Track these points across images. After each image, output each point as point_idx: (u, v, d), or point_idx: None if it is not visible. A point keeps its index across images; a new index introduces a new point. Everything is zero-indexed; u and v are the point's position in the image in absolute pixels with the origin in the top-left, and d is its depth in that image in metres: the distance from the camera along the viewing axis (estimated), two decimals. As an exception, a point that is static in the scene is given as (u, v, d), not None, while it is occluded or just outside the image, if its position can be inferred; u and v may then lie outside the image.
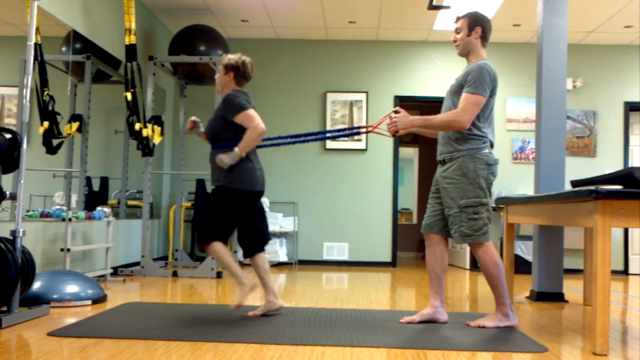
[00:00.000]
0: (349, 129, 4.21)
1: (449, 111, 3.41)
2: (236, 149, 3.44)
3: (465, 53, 3.54)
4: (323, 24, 7.20)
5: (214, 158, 3.53)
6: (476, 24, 3.48)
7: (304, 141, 4.18)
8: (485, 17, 3.52)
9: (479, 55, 3.50)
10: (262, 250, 3.69)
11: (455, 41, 3.55)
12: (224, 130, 3.53)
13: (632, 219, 2.84)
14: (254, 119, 3.47)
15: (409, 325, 3.39)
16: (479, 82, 3.33)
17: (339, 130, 4.22)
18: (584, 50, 7.60)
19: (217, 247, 3.53)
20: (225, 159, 3.44)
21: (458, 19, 3.55)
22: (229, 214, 3.55)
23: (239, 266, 3.59)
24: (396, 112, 3.45)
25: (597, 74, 7.61)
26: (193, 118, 3.75)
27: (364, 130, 4.17)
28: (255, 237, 3.67)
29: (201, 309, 3.83)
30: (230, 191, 3.51)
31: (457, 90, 3.45)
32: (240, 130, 3.50)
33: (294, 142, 4.20)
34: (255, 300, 4.29)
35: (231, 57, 3.65)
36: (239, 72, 3.64)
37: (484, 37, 3.51)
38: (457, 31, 3.54)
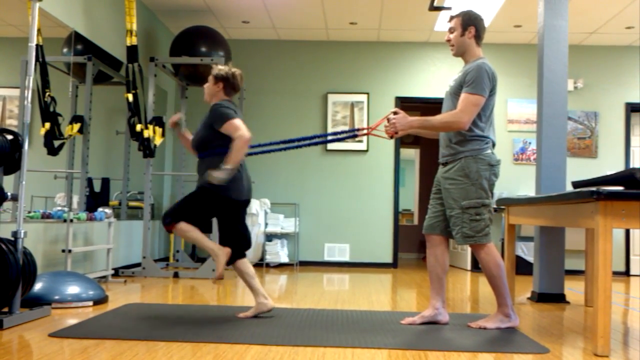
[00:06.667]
0: (346, 132, 4.17)
1: (449, 112, 3.41)
2: (227, 165, 3.41)
3: (461, 53, 3.52)
4: (324, 25, 7.21)
5: (202, 167, 3.55)
6: (469, 23, 3.47)
7: (297, 147, 4.09)
8: (479, 16, 3.50)
9: (475, 54, 3.49)
10: (243, 256, 3.68)
11: (449, 41, 3.54)
12: (213, 139, 3.55)
13: (633, 220, 2.84)
14: (238, 128, 3.48)
15: (410, 327, 3.39)
16: (478, 82, 3.32)
17: (335, 134, 4.20)
18: (585, 51, 7.59)
19: (183, 225, 3.50)
20: (222, 175, 3.40)
21: (452, 18, 3.54)
22: (205, 210, 3.57)
23: (207, 239, 3.57)
24: (395, 113, 3.43)
25: (598, 75, 7.61)
26: (176, 117, 3.73)
27: (361, 133, 4.14)
28: (237, 245, 3.65)
29: (202, 310, 3.83)
30: (214, 195, 3.50)
31: (456, 91, 3.43)
32: (228, 139, 3.50)
33: (286, 149, 4.16)
34: (247, 301, 4.29)
35: (221, 68, 3.70)
36: (229, 83, 3.69)
37: (478, 36, 3.49)
38: (451, 31, 3.52)
